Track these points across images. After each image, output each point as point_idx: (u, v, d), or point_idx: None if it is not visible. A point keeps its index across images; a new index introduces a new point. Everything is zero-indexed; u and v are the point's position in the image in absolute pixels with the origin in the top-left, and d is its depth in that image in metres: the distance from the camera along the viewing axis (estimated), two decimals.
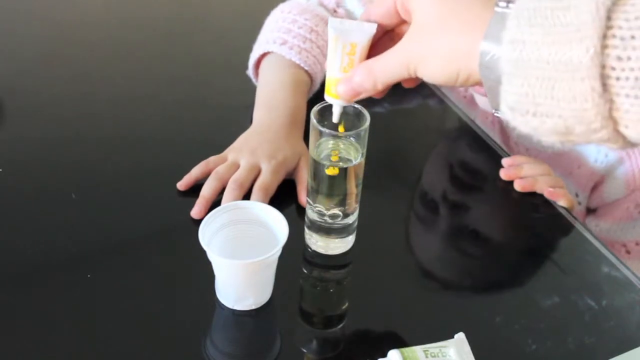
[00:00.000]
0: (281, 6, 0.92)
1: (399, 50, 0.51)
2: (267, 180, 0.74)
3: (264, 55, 0.88)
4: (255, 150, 0.77)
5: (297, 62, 0.86)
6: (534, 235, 0.78)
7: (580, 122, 0.40)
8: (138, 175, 0.80)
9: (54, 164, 0.81)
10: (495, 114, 0.47)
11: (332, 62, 0.56)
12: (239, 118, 0.88)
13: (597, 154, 0.88)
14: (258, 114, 0.83)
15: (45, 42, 1.05)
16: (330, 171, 0.64)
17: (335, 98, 0.58)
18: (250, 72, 0.91)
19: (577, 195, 0.92)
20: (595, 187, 0.91)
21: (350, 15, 0.93)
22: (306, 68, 0.86)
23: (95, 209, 0.75)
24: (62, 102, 0.91)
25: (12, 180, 0.78)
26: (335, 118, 0.60)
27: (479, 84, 0.47)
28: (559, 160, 0.91)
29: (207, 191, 0.73)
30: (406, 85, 0.55)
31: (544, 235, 0.78)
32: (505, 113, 0.44)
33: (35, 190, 0.77)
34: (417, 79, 0.53)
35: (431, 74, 0.49)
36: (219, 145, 0.80)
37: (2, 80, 0.95)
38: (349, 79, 0.54)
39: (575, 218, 0.79)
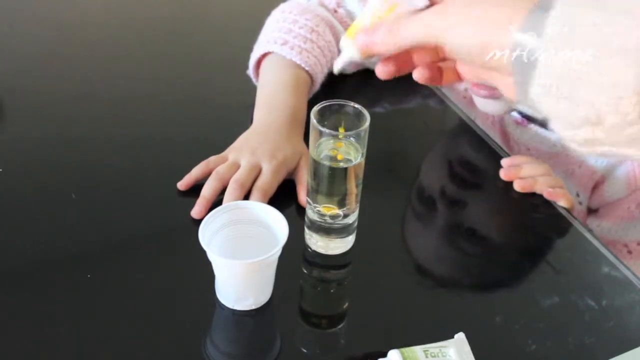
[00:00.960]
0: (282, 6, 0.92)
1: (426, 15, 0.47)
2: (267, 180, 0.74)
3: (264, 55, 0.88)
4: (255, 150, 0.77)
5: (298, 62, 0.86)
6: (534, 235, 0.78)
7: (615, 111, 0.38)
8: (138, 175, 0.80)
9: (54, 164, 0.81)
10: (517, 107, 0.44)
11: (369, 10, 0.51)
12: (239, 118, 0.88)
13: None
14: (259, 113, 0.83)
15: (45, 42, 1.05)
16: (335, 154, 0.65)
17: (351, 39, 0.53)
18: (250, 72, 0.91)
19: (578, 195, 0.92)
20: (596, 187, 0.91)
21: (351, 16, 0.93)
22: (307, 68, 0.86)
23: (95, 209, 0.75)
24: (62, 102, 0.91)
25: (12, 180, 0.78)
26: (336, 67, 0.55)
27: (502, 69, 0.43)
28: (560, 160, 0.91)
29: (207, 191, 0.73)
30: (417, 76, 0.52)
31: (544, 235, 0.78)
32: (537, 95, 0.41)
33: (35, 190, 0.77)
34: (432, 55, 0.50)
35: (458, 43, 0.45)
36: (219, 145, 0.80)
37: (2, 80, 0.95)
38: (370, 31, 0.51)
39: (575, 218, 0.79)
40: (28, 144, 0.84)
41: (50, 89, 0.94)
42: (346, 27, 0.93)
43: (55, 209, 0.74)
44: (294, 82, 0.85)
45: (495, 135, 0.94)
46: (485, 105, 0.89)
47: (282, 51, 0.86)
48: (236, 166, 0.75)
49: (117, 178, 0.79)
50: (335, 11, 0.93)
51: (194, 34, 1.11)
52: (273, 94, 0.84)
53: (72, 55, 1.02)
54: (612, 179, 0.89)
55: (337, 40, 0.92)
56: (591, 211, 0.94)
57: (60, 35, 1.07)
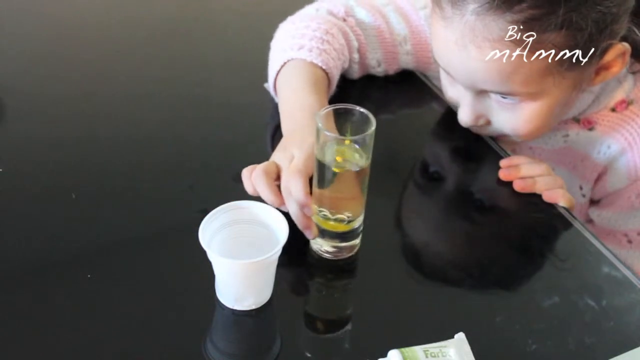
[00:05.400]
0: (290, 18, 0.91)
1: None
2: (298, 162, 0.70)
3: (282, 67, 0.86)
4: (285, 147, 0.74)
5: (319, 64, 0.83)
6: (534, 235, 0.78)
7: None
8: (138, 175, 0.80)
9: (54, 164, 0.81)
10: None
11: None
12: (239, 117, 0.89)
13: (600, 146, 0.88)
14: (285, 123, 0.80)
15: (46, 42, 1.05)
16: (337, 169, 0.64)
17: None
18: (270, 87, 0.88)
19: (581, 188, 0.92)
20: (598, 179, 0.91)
21: (360, 25, 0.92)
22: (326, 70, 0.84)
23: (95, 209, 0.75)
24: (62, 102, 0.91)
25: (12, 180, 0.78)
26: None
27: None
28: (563, 155, 0.91)
29: (268, 197, 0.69)
30: None
31: (544, 235, 0.78)
32: None
33: (35, 190, 0.77)
34: None
35: None
36: (219, 144, 0.80)
37: (2, 80, 0.95)
38: None
39: (575, 218, 0.79)
40: (28, 144, 0.84)
41: (50, 89, 0.94)
42: (357, 35, 0.92)
43: (55, 209, 0.74)
44: (314, 82, 0.83)
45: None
46: (479, 131, 0.89)
47: (300, 55, 0.84)
48: (275, 164, 0.72)
49: (117, 178, 0.79)
50: (345, 20, 0.92)
51: (194, 33, 1.11)
52: (295, 100, 0.81)
53: (72, 55, 1.02)
54: (613, 170, 0.89)
55: (349, 47, 0.91)
56: (593, 202, 0.94)
57: (61, 35, 1.07)
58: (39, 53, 1.02)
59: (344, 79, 0.94)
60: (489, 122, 0.84)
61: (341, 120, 0.65)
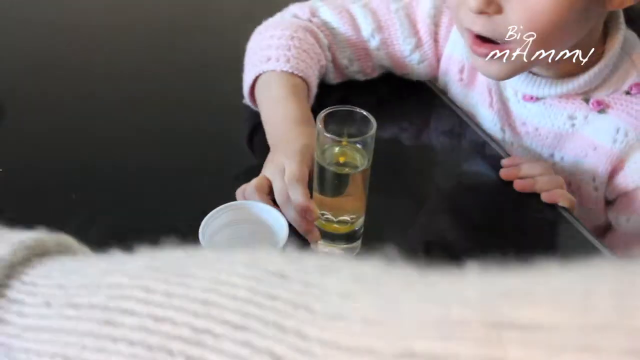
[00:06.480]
0: (257, 29, 0.91)
1: None
2: (291, 169, 0.68)
3: (256, 80, 0.85)
4: (273, 158, 0.73)
5: (289, 71, 0.83)
6: (534, 235, 0.78)
7: None
8: (138, 175, 0.80)
9: (54, 164, 0.81)
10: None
11: None
12: (239, 117, 0.88)
13: (616, 134, 0.81)
14: (270, 136, 0.80)
15: (46, 42, 1.05)
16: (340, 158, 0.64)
17: None
18: (247, 100, 0.88)
19: (593, 180, 0.84)
20: (614, 172, 0.83)
21: (326, 24, 0.91)
22: (299, 74, 0.84)
23: (95, 209, 0.75)
24: (62, 102, 0.91)
25: (12, 180, 0.78)
26: None
27: None
28: (571, 142, 0.85)
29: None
30: None
31: (544, 235, 0.78)
32: None
33: (35, 190, 0.77)
34: None
35: None
36: (218, 144, 0.80)
37: (2, 80, 0.95)
38: None
39: (574, 218, 0.79)
40: (28, 144, 0.84)
41: (51, 89, 0.94)
42: (325, 35, 0.90)
43: (55, 209, 0.74)
44: (290, 90, 0.82)
45: (494, 118, 0.90)
46: (488, 68, 0.80)
47: (269, 67, 0.83)
48: (264, 178, 0.72)
49: (117, 178, 0.79)
50: (310, 21, 0.91)
51: (194, 33, 1.11)
52: (274, 112, 0.81)
53: (72, 56, 1.02)
54: (633, 163, 0.81)
55: (320, 45, 0.89)
56: (608, 202, 0.87)
57: (61, 35, 1.07)
58: (39, 53, 1.02)
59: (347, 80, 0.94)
60: (499, 10, 0.73)
61: (342, 122, 0.65)
